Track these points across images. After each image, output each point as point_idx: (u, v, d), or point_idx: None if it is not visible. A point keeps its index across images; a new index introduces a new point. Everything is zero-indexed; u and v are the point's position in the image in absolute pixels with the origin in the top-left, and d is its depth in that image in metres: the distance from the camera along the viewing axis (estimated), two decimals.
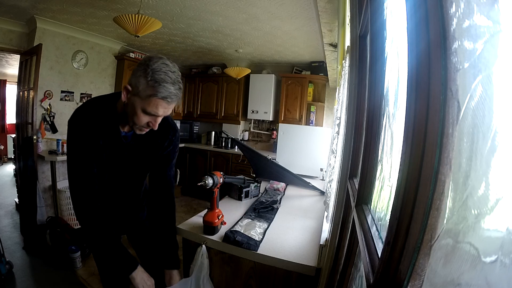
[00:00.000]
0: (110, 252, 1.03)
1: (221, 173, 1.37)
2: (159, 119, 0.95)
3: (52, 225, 2.56)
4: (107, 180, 1.10)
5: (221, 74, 4.57)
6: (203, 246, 1.23)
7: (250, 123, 4.72)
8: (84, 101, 3.52)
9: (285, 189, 2.20)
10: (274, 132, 4.45)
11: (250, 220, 1.47)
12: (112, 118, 1.00)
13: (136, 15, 1.93)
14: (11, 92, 6.14)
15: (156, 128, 0.96)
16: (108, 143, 1.01)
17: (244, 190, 1.84)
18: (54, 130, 3.22)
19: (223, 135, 4.55)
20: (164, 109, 0.91)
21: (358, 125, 0.90)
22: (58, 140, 3.06)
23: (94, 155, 1.00)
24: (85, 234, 1.04)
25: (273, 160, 2.26)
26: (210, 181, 1.29)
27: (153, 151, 1.14)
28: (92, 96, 3.57)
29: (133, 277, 1.03)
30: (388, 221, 0.37)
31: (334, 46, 2.33)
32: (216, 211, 1.33)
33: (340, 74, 1.67)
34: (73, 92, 3.40)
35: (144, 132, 0.99)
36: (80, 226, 1.16)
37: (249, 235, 1.25)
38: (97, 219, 1.01)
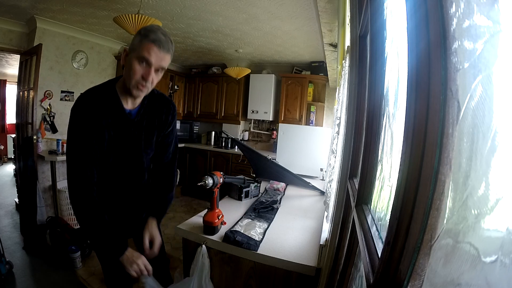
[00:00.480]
0: (100, 236, 1.01)
1: (221, 173, 1.37)
2: (153, 72, 0.97)
3: (52, 225, 2.56)
4: (112, 162, 1.08)
5: (221, 74, 4.57)
6: (203, 246, 1.23)
7: (250, 123, 4.72)
8: None
9: (285, 189, 2.20)
10: (274, 132, 4.45)
11: (250, 220, 1.47)
12: (113, 97, 1.03)
13: (136, 15, 1.93)
14: (11, 92, 6.14)
15: (150, 80, 0.97)
16: (113, 122, 1.03)
17: (244, 190, 1.84)
18: (54, 130, 3.22)
19: (223, 135, 4.55)
20: (156, 56, 0.94)
21: (358, 125, 0.90)
22: (58, 140, 3.05)
23: (96, 139, 1.00)
24: (77, 218, 1.03)
25: (273, 160, 2.26)
26: (210, 181, 1.29)
27: (159, 128, 1.16)
28: None
29: (122, 259, 1.00)
30: (388, 221, 0.37)
31: (334, 46, 2.33)
32: (216, 211, 1.33)
33: (340, 74, 1.67)
34: (73, 92, 3.40)
35: (141, 92, 1.00)
36: (78, 224, 1.13)
37: (249, 235, 1.25)
38: (89, 203, 1.00)
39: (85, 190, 1.00)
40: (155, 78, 0.99)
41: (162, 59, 0.97)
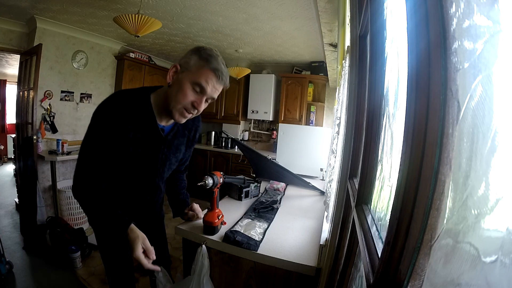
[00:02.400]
0: (105, 218, 0.93)
1: (221, 173, 1.37)
2: (203, 103, 0.91)
3: (52, 225, 2.56)
4: (133, 177, 1.03)
5: None
6: (203, 246, 1.23)
7: (250, 123, 4.72)
8: (84, 101, 3.52)
9: (285, 189, 2.20)
10: (274, 132, 4.45)
11: (250, 220, 1.47)
12: (147, 111, 0.94)
13: (136, 15, 1.93)
14: (11, 92, 6.14)
15: (200, 110, 0.92)
16: (142, 138, 0.95)
17: (244, 190, 1.84)
18: (54, 130, 3.22)
19: (223, 135, 4.55)
20: (213, 87, 0.89)
21: (358, 125, 0.90)
22: (58, 140, 3.06)
23: (117, 152, 0.93)
24: (85, 211, 0.98)
25: (273, 160, 2.26)
26: (210, 181, 1.29)
27: (187, 145, 1.16)
28: (92, 96, 3.60)
29: (127, 233, 0.91)
30: (388, 221, 0.37)
31: (334, 46, 2.33)
32: (216, 211, 1.33)
33: (340, 74, 1.67)
34: (73, 92, 3.40)
35: (185, 119, 0.93)
36: (85, 220, 1.14)
37: (249, 235, 1.25)
38: (95, 196, 0.93)
39: (91, 190, 0.93)
40: (203, 107, 0.93)
41: (217, 90, 0.91)
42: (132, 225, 0.94)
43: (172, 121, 1.01)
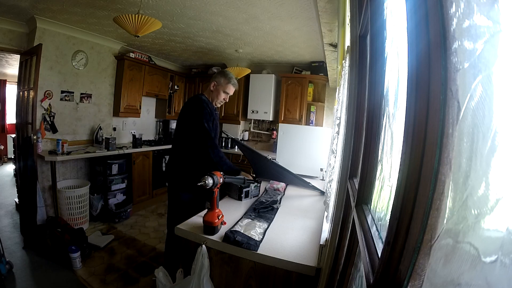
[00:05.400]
0: (234, 169, 1.92)
1: (221, 173, 1.37)
2: (227, 98, 2.02)
3: (52, 225, 2.56)
4: (215, 138, 1.91)
5: None
6: (203, 246, 1.23)
7: (250, 123, 4.72)
8: (84, 101, 3.54)
9: (285, 189, 2.20)
10: (274, 132, 4.45)
11: (250, 220, 1.47)
12: (209, 101, 1.94)
13: (136, 15, 1.93)
14: (11, 92, 6.14)
15: (227, 101, 2.07)
16: (213, 113, 1.90)
17: (244, 190, 1.84)
18: (54, 130, 3.21)
19: (223, 135, 4.55)
20: (231, 91, 1.99)
21: (358, 125, 0.90)
22: (58, 140, 3.05)
23: (212, 120, 1.88)
24: (220, 164, 1.84)
25: (273, 160, 2.26)
26: (210, 181, 1.29)
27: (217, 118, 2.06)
28: (92, 96, 3.61)
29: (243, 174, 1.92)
30: (388, 221, 0.37)
31: (334, 46, 2.33)
32: (216, 211, 1.33)
33: (340, 74, 1.67)
34: (73, 92, 3.40)
35: (219, 105, 2.03)
36: (223, 167, 1.85)
37: (249, 235, 1.25)
38: (223, 155, 1.88)
39: (218, 149, 1.84)
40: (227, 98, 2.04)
41: (232, 91, 2.00)
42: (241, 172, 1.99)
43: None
